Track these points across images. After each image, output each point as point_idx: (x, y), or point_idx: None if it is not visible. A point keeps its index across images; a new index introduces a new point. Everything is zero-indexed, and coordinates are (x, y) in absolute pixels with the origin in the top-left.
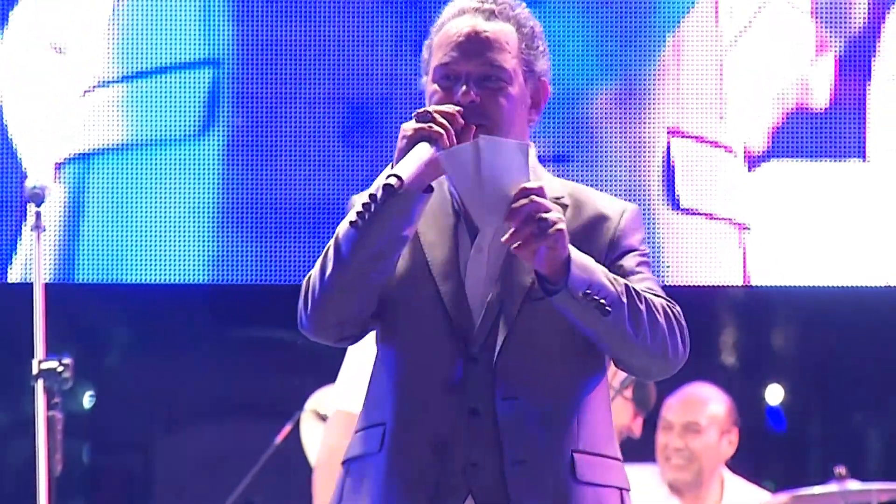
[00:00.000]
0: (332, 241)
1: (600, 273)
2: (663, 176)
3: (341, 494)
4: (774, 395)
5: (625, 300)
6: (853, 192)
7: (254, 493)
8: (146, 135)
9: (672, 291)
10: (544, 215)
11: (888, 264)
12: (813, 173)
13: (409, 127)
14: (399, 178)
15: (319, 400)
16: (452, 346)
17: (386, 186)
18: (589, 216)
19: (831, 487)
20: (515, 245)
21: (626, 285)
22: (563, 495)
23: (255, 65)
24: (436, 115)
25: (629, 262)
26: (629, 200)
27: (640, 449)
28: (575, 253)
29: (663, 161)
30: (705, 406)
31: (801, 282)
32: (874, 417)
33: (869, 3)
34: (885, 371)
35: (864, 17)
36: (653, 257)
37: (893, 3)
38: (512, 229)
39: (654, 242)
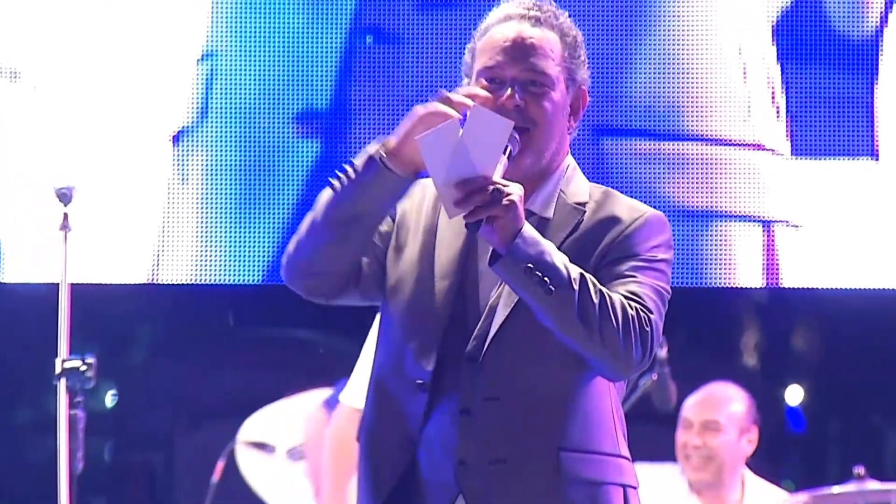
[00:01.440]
0: (321, 195)
1: (553, 255)
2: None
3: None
4: (794, 395)
5: (576, 287)
6: (870, 193)
7: None
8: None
9: (692, 293)
10: (499, 186)
11: None
12: (830, 172)
13: (421, 108)
14: (382, 155)
15: (251, 429)
16: (432, 344)
17: (369, 159)
18: (602, 218)
19: (850, 487)
20: (468, 213)
21: (583, 276)
22: (547, 493)
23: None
24: (452, 98)
25: (624, 265)
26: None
27: (660, 448)
28: (530, 230)
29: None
30: (725, 405)
31: (822, 284)
32: (893, 418)
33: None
34: None
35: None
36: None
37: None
38: (462, 196)
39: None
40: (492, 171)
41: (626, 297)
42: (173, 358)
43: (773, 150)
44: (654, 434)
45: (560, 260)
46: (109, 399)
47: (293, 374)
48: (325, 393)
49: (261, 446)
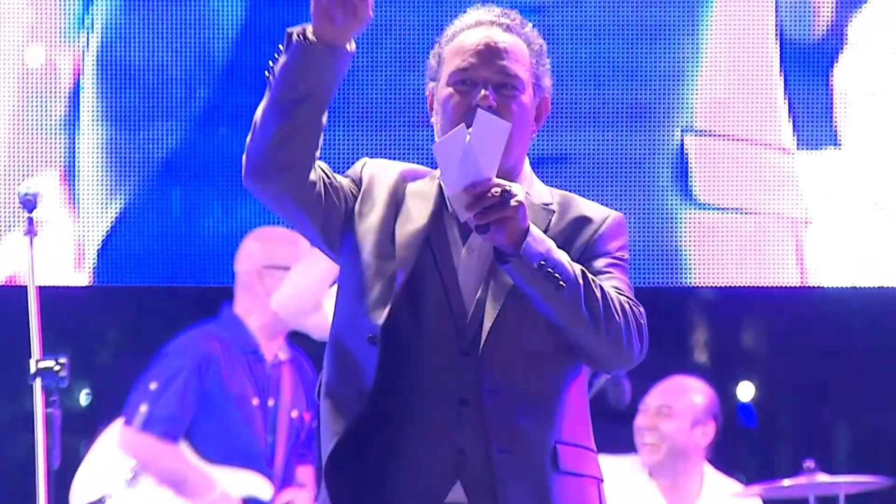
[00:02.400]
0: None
1: (559, 252)
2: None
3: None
4: (746, 392)
5: (581, 282)
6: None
7: None
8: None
9: (645, 293)
10: (506, 188)
11: (854, 266)
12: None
13: None
14: (299, 32)
15: (78, 497)
16: (384, 301)
17: (292, 41)
18: (573, 218)
19: (801, 480)
20: (477, 214)
21: (584, 271)
22: (546, 484)
23: None
24: None
25: (600, 263)
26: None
27: (619, 441)
28: (535, 229)
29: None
30: (682, 394)
31: (770, 282)
32: (841, 413)
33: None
34: (852, 368)
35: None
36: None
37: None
38: (472, 199)
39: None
40: (494, 172)
41: (618, 293)
42: (144, 358)
43: (779, 143)
44: (609, 429)
45: (564, 257)
46: (84, 398)
47: None
48: (118, 423)
49: None
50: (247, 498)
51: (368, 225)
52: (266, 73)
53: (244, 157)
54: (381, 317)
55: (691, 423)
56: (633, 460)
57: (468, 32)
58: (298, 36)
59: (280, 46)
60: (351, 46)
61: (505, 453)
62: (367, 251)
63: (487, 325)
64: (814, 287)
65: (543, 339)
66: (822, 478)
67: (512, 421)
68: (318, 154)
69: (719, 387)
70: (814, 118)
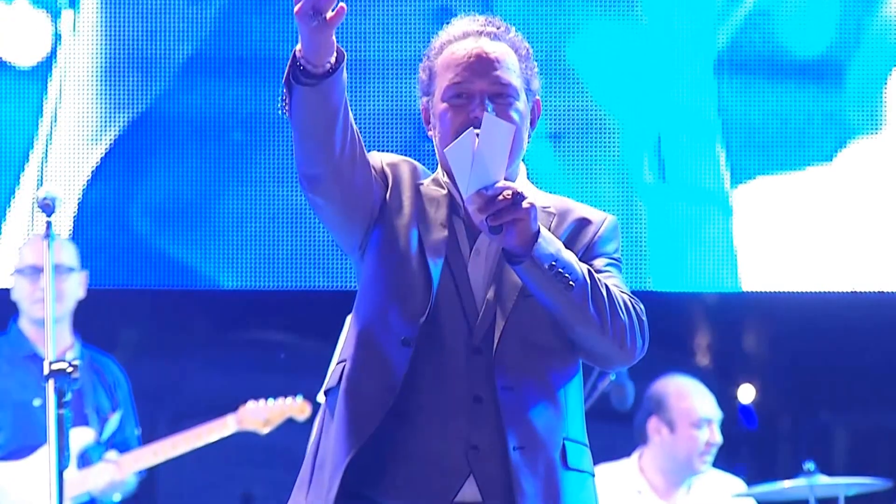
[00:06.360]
0: None
1: (567, 253)
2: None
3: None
4: (746, 394)
5: (588, 281)
6: (818, 201)
7: (253, 486)
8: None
9: (648, 297)
10: (517, 190)
11: (854, 271)
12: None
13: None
14: (296, 78)
15: None
16: (421, 309)
17: (292, 87)
18: (573, 220)
19: (800, 481)
20: (490, 217)
21: (590, 271)
22: (556, 480)
23: None
24: None
25: (599, 262)
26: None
27: (614, 447)
28: (544, 230)
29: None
30: (711, 399)
31: (772, 288)
32: (841, 415)
33: None
34: (851, 371)
35: None
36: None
37: None
38: (484, 202)
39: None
40: (503, 175)
41: (619, 291)
42: (155, 359)
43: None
44: (612, 432)
45: (572, 257)
46: None
47: (271, 374)
48: None
49: None
50: (79, 452)
51: (399, 223)
52: (280, 110)
53: (298, 174)
54: (419, 320)
55: None
56: (625, 462)
57: (457, 44)
58: (295, 78)
59: (284, 91)
60: (341, 54)
61: (520, 449)
62: (401, 252)
63: (500, 324)
64: (814, 293)
65: (552, 338)
66: (822, 479)
67: (526, 417)
68: (357, 139)
69: (720, 389)
70: None
